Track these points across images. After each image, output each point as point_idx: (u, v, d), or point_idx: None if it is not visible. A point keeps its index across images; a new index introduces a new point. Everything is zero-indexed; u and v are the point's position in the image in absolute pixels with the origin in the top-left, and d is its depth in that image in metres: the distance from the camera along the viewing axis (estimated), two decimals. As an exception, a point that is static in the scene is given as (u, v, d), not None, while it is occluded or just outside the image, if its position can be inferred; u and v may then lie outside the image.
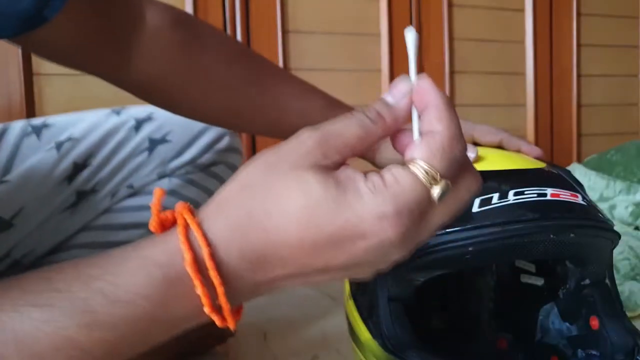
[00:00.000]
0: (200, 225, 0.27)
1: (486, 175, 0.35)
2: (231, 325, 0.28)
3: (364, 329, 0.47)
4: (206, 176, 0.74)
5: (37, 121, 0.68)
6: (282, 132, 0.54)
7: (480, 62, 1.57)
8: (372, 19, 1.44)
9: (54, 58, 0.52)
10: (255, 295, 0.30)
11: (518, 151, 0.54)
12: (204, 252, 0.27)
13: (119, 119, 0.69)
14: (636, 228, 0.93)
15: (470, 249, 0.42)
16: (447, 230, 0.42)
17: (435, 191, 0.28)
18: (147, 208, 0.67)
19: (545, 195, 0.43)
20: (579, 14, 1.68)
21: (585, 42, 1.70)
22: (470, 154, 0.47)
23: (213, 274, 0.27)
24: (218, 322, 0.28)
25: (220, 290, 0.27)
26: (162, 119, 0.71)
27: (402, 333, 0.45)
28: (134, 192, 0.70)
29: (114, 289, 0.27)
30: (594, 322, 0.49)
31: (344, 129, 0.29)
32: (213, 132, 0.73)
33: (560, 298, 0.52)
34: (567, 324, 0.51)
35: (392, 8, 1.45)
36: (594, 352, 0.48)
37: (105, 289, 0.27)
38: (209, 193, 0.72)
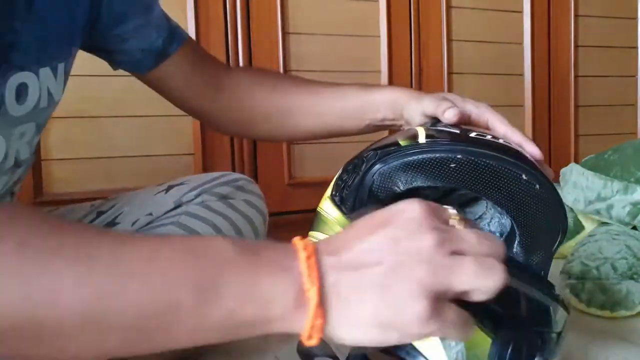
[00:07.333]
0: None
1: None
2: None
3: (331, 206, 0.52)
4: (224, 205, 0.74)
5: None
6: (326, 127, 0.77)
7: (479, 63, 1.58)
8: (372, 21, 1.45)
9: (170, 97, 0.76)
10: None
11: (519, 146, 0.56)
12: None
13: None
14: (634, 228, 0.94)
15: (458, 156, 0.48)
16: (441, 140, 0.50)
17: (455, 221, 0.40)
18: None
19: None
20: (576, 15, 1.68)
21: (583, 43, 1.71)
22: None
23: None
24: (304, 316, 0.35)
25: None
26: (182, 179, 0.79)
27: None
28: (153, 219, 0.73)
29: None
30: None
31: None
32: (229, 176, 0.78)
33: None
34: None
35: (391, 10, 1.46)
36: None
37: None
38: (229, 220, 0.73)
